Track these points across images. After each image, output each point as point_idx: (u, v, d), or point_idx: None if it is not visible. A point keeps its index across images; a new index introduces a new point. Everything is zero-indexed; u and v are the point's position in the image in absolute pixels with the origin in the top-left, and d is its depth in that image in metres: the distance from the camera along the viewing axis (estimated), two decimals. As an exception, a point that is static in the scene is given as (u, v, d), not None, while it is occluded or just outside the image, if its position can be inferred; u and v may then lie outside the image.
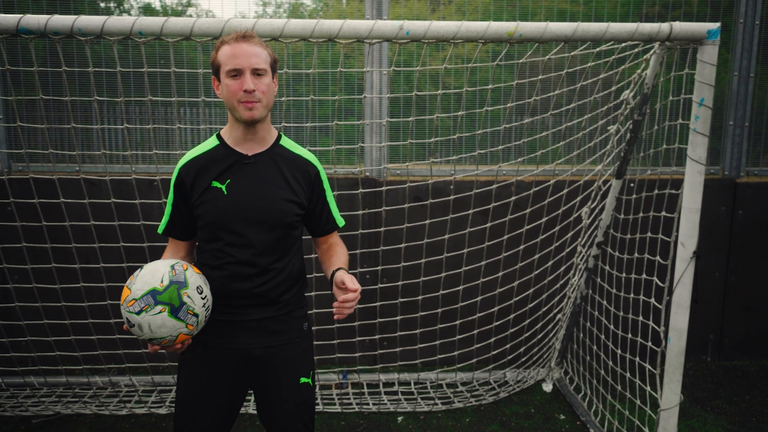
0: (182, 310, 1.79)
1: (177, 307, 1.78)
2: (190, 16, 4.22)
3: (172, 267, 1.84)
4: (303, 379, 2.11)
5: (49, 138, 3.22)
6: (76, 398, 3.76)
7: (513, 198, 3.65)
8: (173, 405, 3.69)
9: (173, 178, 2.03)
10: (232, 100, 1.89)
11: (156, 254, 3.46)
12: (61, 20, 2.29)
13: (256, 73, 1.89)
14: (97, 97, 2.99)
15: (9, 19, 2.30)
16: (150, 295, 1.77)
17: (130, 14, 4.25)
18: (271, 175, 2.00)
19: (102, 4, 4.17)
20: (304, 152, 2.09)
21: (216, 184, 1.97)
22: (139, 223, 3.34)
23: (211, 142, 2.04)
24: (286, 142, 2.09)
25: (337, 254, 2.13)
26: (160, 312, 1.76)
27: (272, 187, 1.99)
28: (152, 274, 1.81)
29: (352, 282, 1.88)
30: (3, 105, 4.05)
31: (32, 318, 3.57)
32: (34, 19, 2.29)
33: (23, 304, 3.50)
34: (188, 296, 1.80)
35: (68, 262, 3.46)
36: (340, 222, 2.20)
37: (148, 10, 4.19)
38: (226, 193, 1.96)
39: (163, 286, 1.78)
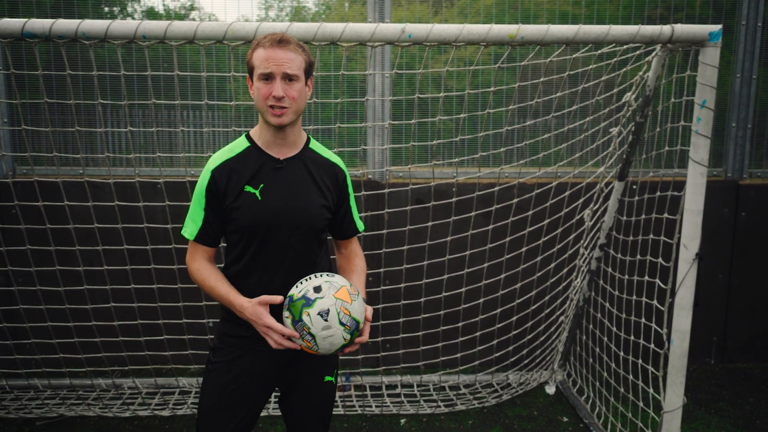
0: (298, 325, 1.82)
1: (296, 320, 1.82)
2: (193, 19, 4.24)
3: (328, 284, 1.86)
4: (327, 378, 2.14)
5: (53, 141, 3.22)
6: (79, 400, 3.77)
7: (515, 200, 3.65)
8: (176, 407, 3.71)
9: (204, 181, 1.96)
10: (262, 103, 1.89)
11: (159, 257, 3.51)
12: (65, 24, 2.31)
13: (288, 78, 1.87)
14: (101, 101, 3.00)
15: (14, 23, 2.32)
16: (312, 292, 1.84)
17: (133, 18, 4.27)
18: (303, 179, 2.00)
19: (105, 9, 4.19)
20: (332, 156, 2.11)
21: (249, 188, 1.95)
22: (142, 225, 3.35)
23: (242, 144, 2.01)
24: (315, 146, 2.09)
25: (358, 273, 2.15)
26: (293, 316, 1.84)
27: (305, 192, 2.00)
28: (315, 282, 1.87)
29: (366, 327, 1.92)
30: (8, 108, 4.07)
31: (36, 320, 3.58)
32: (39, 24, 2.31)
33: (27, 307, 3.52)
34: (308, 315, 1.81)
35: (72, 264, 3.48)
36: (361, 226, 2.22)
37: (151, 14, 4.21)
38: (260, 198, 1.95)
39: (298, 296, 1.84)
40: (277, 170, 1.98)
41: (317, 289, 1.82)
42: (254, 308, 1.86)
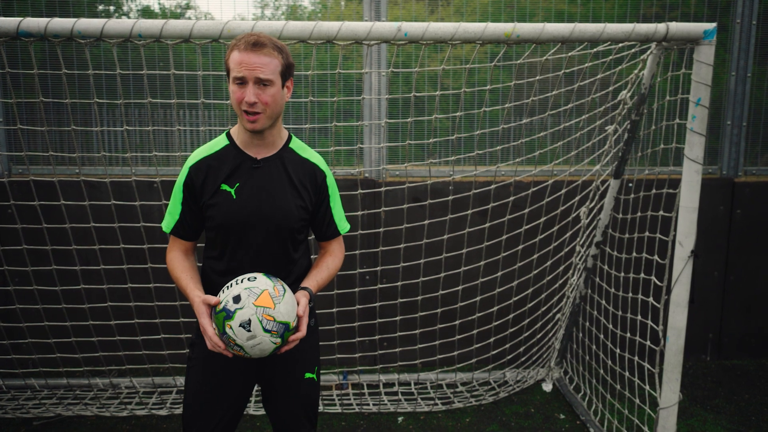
0: (223, 338, 1.80)
1: (221, 332, 1.80)
2: (189, 18, 4.23)
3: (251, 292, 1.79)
4: (307, 375, 2.13)
5: (49, 140, 3.22)
6: (76, 400, 3.77)
7: (511, 198, 3.66)
8: (174, 406, 3.71)
9: (182, 177, 2.01)
10: (236, 107, 1.89)
11: (156, 256, 3.50)
12: (61, 23, 2.30)
13: (261, 83, 1.85)
14: (97, 100, 3.00)
15: (9, 22, 2.31)
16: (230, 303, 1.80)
17: (129, 17, 4.26)
18: (279, 180, 2.00)
19: (101, 7, 4.18)
20: (312, 156, 2.09)
21: (225, 187, 1.97)
22: (139, 224, 3.35)
23: (221, 142, 2.03)
24: (296, 145, 2.08)
25: (320, 267, 2.10)
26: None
27: (280, 192, 1.99)
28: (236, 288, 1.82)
29: (302, 322, 1.88)
30: (3, 108, 4.06)
31: (33, 320, 3.57)
32: (34, 22, 2.30)
33: (24, 306, 3.51)
34: (231, 328, 1.77)
35: (68, 263, 3.47)
36: (343, 228, 2.18)
37: (146, 13, 4.20)
38: (234, 197, 1.96)
39: (219, 308, 1.80)
40: (254, 170, 1.98)
41: (236, 299, 1.77)
42: (199, 305, 1.86)
